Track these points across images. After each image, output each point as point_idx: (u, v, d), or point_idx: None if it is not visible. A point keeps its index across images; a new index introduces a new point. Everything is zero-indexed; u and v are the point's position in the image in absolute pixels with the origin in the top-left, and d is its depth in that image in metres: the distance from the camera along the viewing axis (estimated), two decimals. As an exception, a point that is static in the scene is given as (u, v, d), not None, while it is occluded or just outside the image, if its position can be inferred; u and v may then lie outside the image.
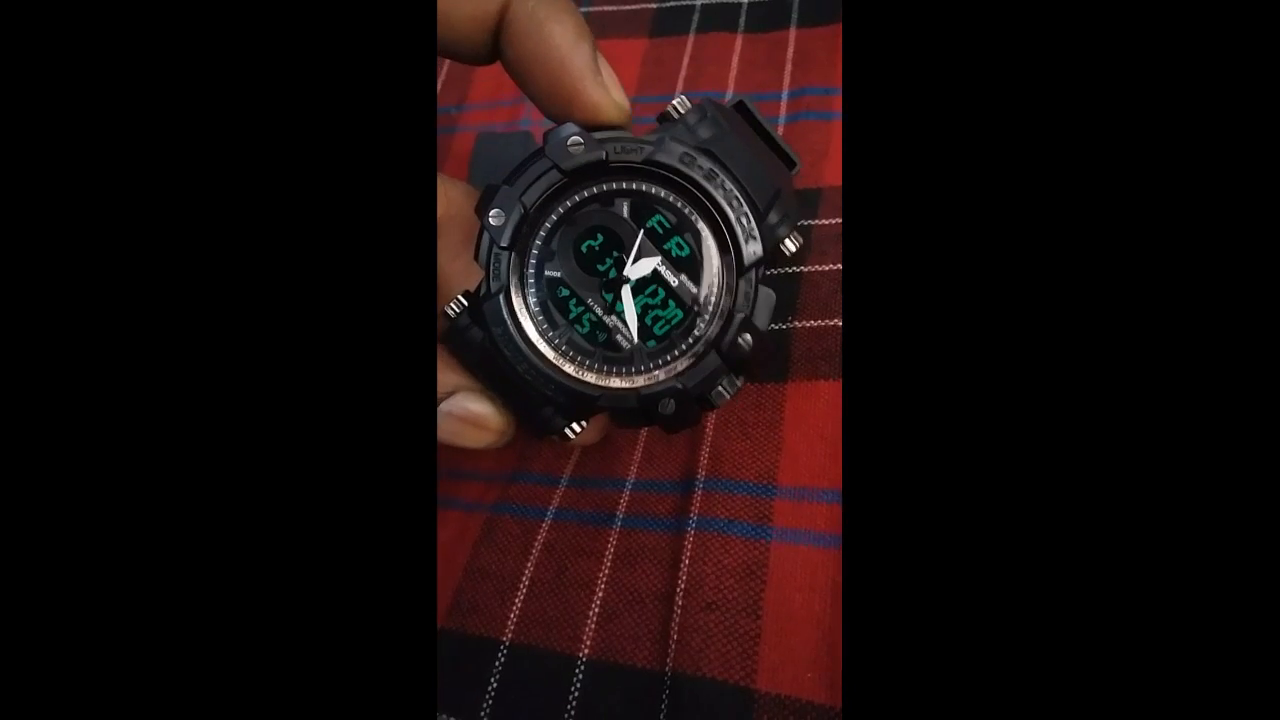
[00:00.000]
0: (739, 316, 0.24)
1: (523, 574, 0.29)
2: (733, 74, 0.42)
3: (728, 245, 0.24)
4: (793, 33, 0.43)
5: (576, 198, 0.24)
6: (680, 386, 0.24)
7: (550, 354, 0.25)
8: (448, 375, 0.26)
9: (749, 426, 0.30)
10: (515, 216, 0.24)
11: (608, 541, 0.29)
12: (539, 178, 0.24)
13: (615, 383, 0.25)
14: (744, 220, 0.24)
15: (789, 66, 0.42)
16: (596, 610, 0.28)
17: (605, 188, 0.24)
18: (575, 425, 0.26)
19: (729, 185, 0.24)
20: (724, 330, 0.24)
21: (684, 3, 0.47)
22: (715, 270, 0.25)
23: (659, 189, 0.24)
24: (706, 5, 0.46)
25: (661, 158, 0.24)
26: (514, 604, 0.28)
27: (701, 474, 0.29)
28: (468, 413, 0.26)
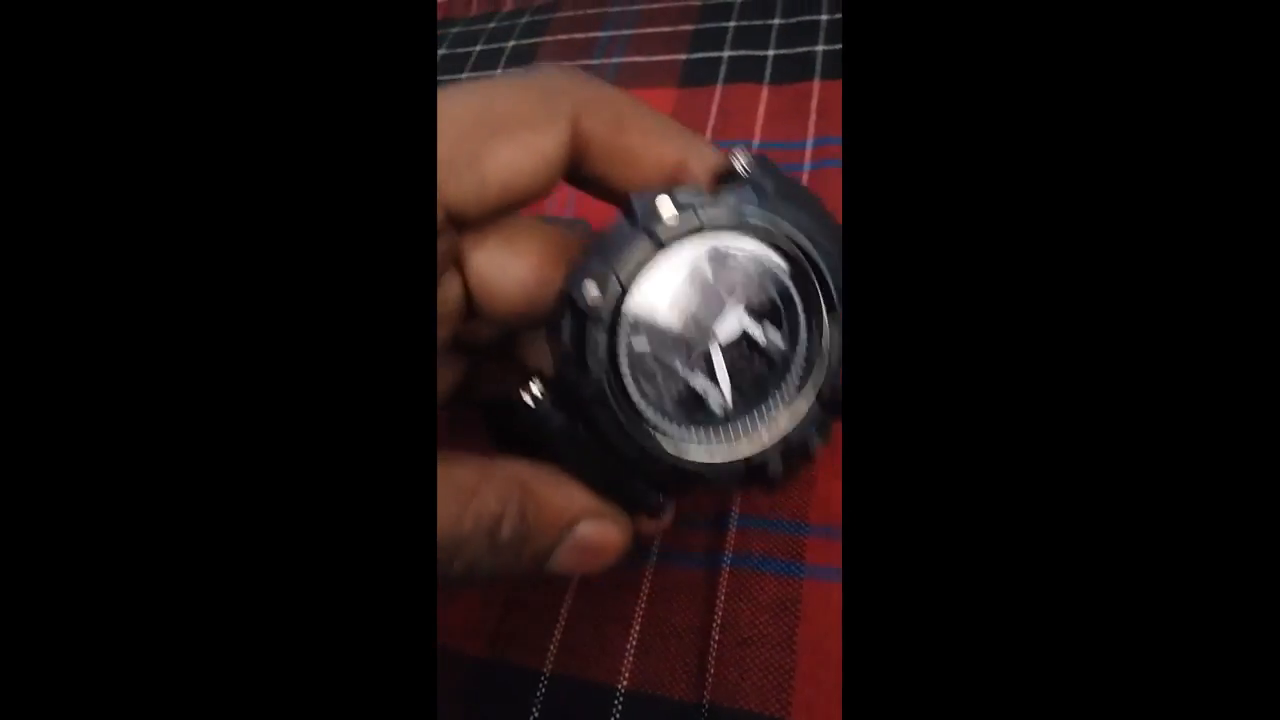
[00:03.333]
0: (830, 359, 0.24)
1: (560, 607, 0.30)
2: (759, 124, 0.44)
3: (813, 292, 0.24)
4: (816, 84, 0.45)
5: (665, 264, 0.23)
6: (785, 444, 0.23)
7: (651, 431, 0.23)
8: (564, 496, 0.23)
9: (780, 466, 0.31)
10: (615, 293, 0.22)
11: (643, 576, 0.30)
12: (632, 249, 0.22)
13: (719, 456, 0.24)
14: (835, 267, 0.24)
15: (813, 116, 0.43)
16: (634, 644, 0.29)
17: (692, 251, 0.23)
18: (665, 500, 0.25)
19: (815, 235, 0.24)
20: (820, 375, 0.24)
21: (712, 55, 0.49)
22: (802, 321, 0.24)
23: (744, 245, 0.24)
24: (734, 57, 0.48)
25: (753, 220, 0.23)
26: (554, 635, 0.29)
27: (735, 511, 0.30)
28: (592, 542, 0.23)
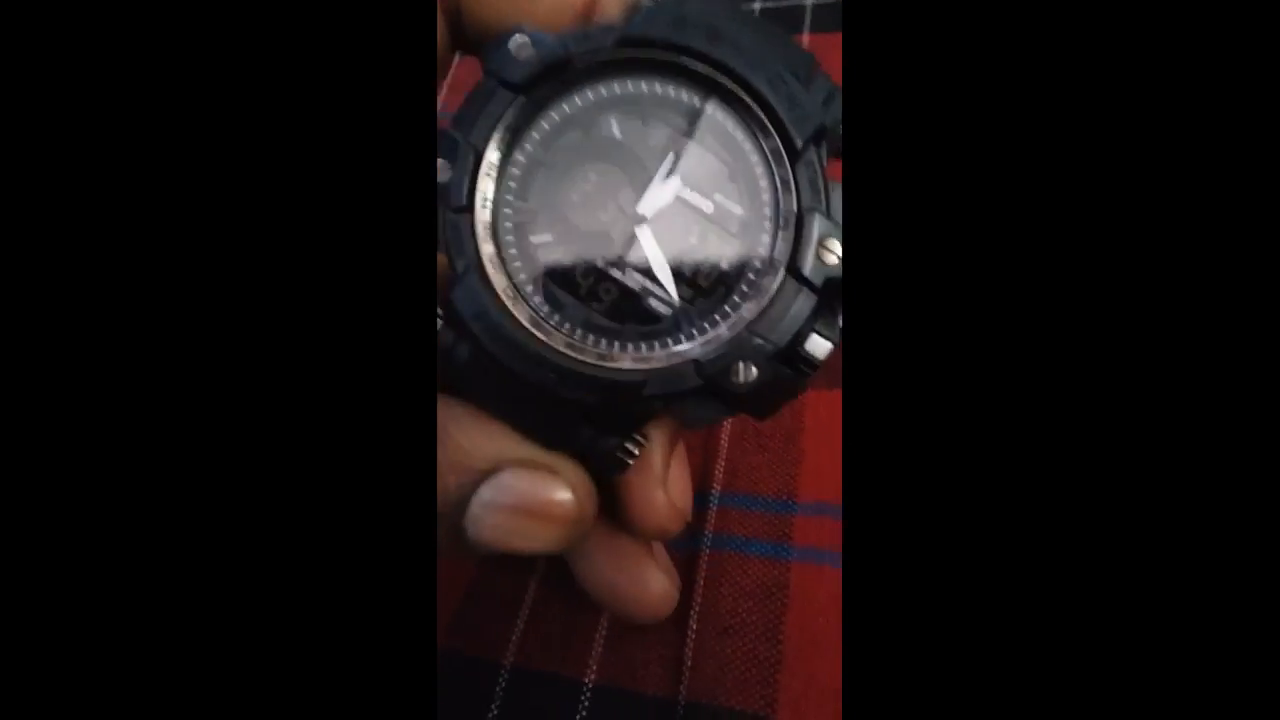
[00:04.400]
0: (815, 219, 0.17)
1: (525, 594, 0.27)
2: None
3: (766, 128, 0.17)
4: (805, 37, 0.42)
5: (545, 125, 0.18)
6: (759, 340, 0.17)
7: (561, 345, 0.17)
8: (477, 434, 0.18)
9: (765, 438, 0.28)
10: (467, 164, 0.17)
11: (615, 559, 0.28)
12: (486, 106, 0.17)
13: (660, 359, 0.17)
14: (780, 86, 0.17)
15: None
16: (604, 633, 0.26)
17: (579, 102, 0.18)
18: (629, 445, 0.18)
19: (745, 43, 0.17)
20: (798, 244, 0.17)
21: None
22: (757, 170, 0.18)
23: (650, 83, 0.18)
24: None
25: (645, 31, 0.17)
26: (516, 625, 0.27)
27: (717, 489, 0.28)
28: (520, 495, 0.17)
